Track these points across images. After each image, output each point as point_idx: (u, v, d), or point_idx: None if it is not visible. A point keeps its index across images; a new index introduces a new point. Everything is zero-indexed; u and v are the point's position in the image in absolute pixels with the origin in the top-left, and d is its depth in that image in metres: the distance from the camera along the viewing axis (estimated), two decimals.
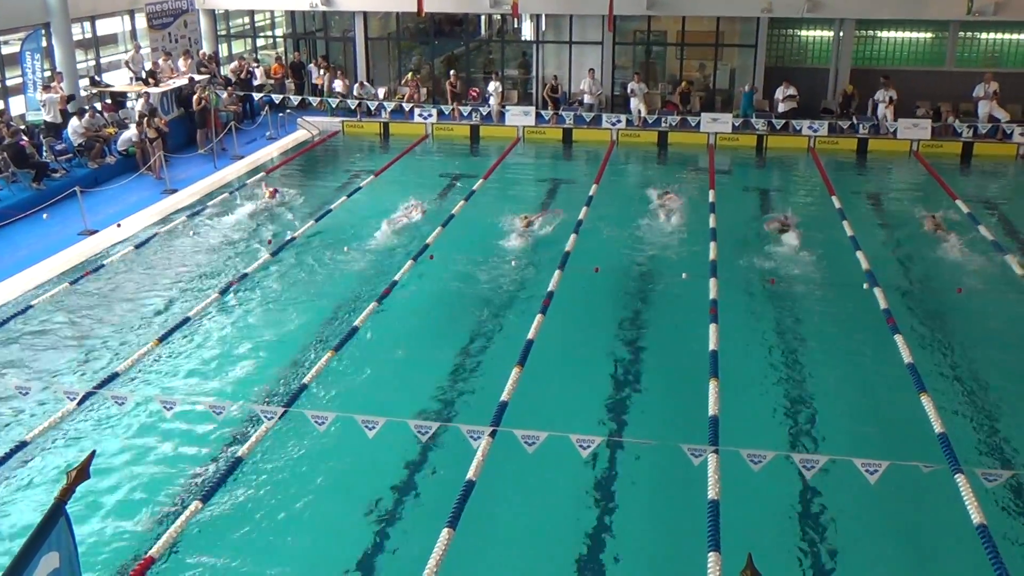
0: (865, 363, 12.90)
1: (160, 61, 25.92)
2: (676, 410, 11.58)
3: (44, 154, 20.43)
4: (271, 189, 20.43)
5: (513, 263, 16.13)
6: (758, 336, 13.66)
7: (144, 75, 24.67)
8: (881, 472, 8.57)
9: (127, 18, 27.36)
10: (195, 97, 23.85)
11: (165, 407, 10.07)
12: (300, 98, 27.43)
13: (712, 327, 12.88)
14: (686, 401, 11.53)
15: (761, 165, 24.37)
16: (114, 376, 11.82)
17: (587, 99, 27.24)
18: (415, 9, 26.61)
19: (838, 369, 12.73)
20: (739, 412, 11.11)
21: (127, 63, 25.94)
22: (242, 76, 27.97)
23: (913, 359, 11.99)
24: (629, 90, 26.89)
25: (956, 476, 9.16)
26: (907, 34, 27.66)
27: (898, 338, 12.65)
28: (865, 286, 14.78)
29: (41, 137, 20.98)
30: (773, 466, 8.85)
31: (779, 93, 26.13)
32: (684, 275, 15.14)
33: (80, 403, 10.67)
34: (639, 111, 26.45)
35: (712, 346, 12.33)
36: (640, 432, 10.92)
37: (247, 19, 32.03)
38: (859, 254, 16.39)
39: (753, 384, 12.20)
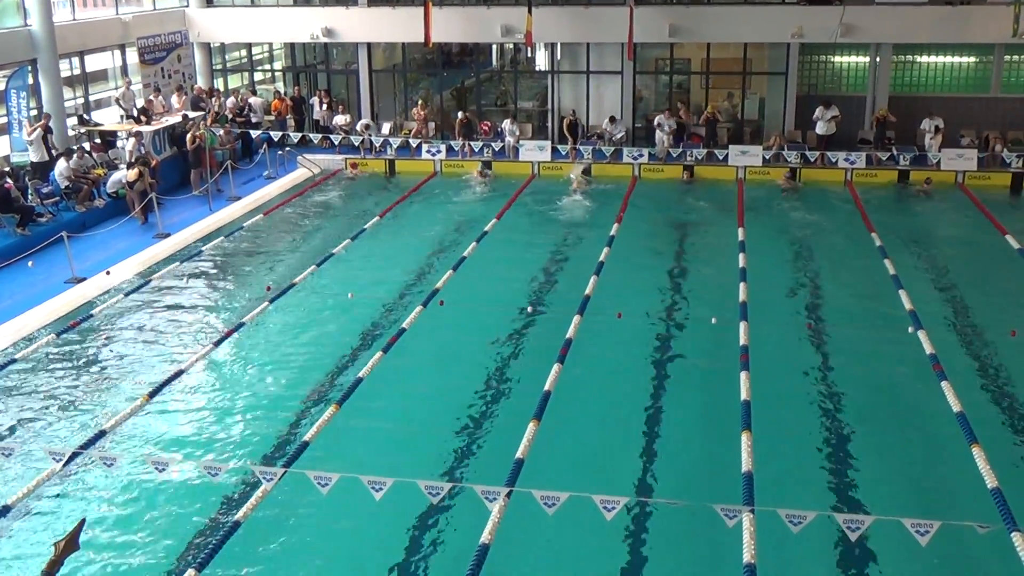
0: (911, 413, 12.83)
1: (152, 97, 26.30)
2: (707, 467, 11.52)
3: (30, 197, 20.70)
4: (352, 163, 26.46)
5: (529, 308, 16.16)
6: (794, 384, 13.61)
7: (136, 113, 25.04)
8: (932, 533, 8.47)
9: (118, 53, 27.79)
10: (188, 136, 24.17)
11: (157, 468, 10.09)
12: (300, 135, 27.72)
13: (743, 375, 12.85)
14: (718, 457, 11.49)
15: (795, 199, 24.39)
16: (102, 434, 11.86)
17: (612, 136, 27.40)
18: (422, 39, 26.97)
19: (882, 420, 12.66)
20: (776, 468, 11.06)
21: (118, 100, 26.33)
22: (241, 114, 28.34)
23: (963, 408, 11.90)
24: (656, 123, 27.00)
25: (1013, 536, 9.05)
26: (948, 59, 27.82)
27: (945, 385, 12.58)
28: (910, 329, 14.73)
29: (27, 180, 21.26)
30: (814, 527, 8.77)
31: (819, 114, 26.30)
32: (713, 319, 15.13)
33: (66, 463, 10.71)
34: (663, 141, 26.54)
35: (744, 396, 12.29)
36: (669, 491, 10.88)
37: (244, 53, 32.53)
38: (902, 294, 16.35)
39: (790, 437, 12.14)
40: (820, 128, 26.27)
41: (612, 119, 27.68)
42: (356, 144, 27.70)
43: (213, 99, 28.47)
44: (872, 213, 21.91)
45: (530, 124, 29.70)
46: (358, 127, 28.16)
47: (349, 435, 12.14)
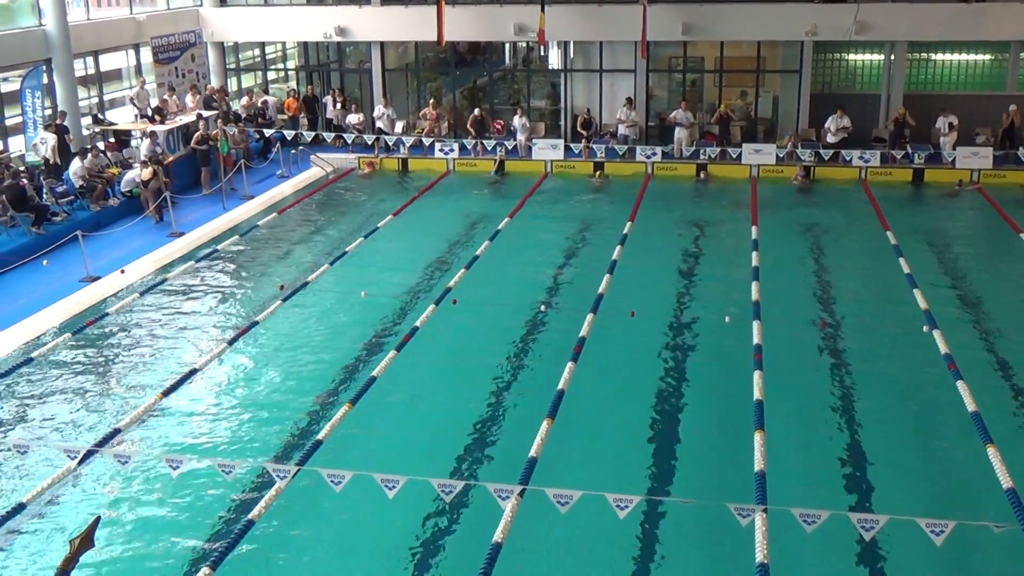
0: (926, 412, 12.77)
1: (166, 96, 26.40)
2: (720, 466, 11.50)
3: (44, 196, 20.79)
4: (368, 161, 26.68)
5: (542, 307, 16.17)
6: (807, 383, 13.56)
7: (150, 112, 25.13)
8: (948, 533, 8.43)
9: (132, 52, 27.92)
10: (196, 135, 24.20)
11: (171, 466, 10.12)
12: (314, 134, 27.76)
13: (756, 374, 12.82)
14: (731, 456, 11.46)
15: (809, 197, 24.31)
16: (116, 432, 11.91)
17: (623, 130, 27.29)
18: (435, 38, 26.99)
19: (896, 419, 12.61)
20: (789, 467, 11.03)
21: (132, 99, 26.44)
22: (257, 114, 28.40)
23: (978, 407, 11.85)
24: (673, 117, 26.91)
25: None
26: (964, 56, 27.68)
27: (961, 384, 12.52)
28: (925, 328, 14.67)
29: (41, 179, 21.36)
30: (828, 527, 8.75)
31: (831, 123, 26.16)
32: (727, 318, 15.10)
33: (81, 462, 10.76)
34: (680, 141, 26.46)
35: (757, 395, 12.26)
36: (682, 490, 10.86)
37: (257, 52, 32.61)
38: (916, 293, 16.28)
39: (804, 436, 12.10)
40: (831, 137, 26.07)
41: (629, 100, 27.59)
42: (370, 143, 27.72)
43: (217, 97, 28.56)
44: (887, 211, 21.80)
45: (543, 122, 29.69)
46: (375, 113, 28.26)
47: (362, 433, 12.16)
